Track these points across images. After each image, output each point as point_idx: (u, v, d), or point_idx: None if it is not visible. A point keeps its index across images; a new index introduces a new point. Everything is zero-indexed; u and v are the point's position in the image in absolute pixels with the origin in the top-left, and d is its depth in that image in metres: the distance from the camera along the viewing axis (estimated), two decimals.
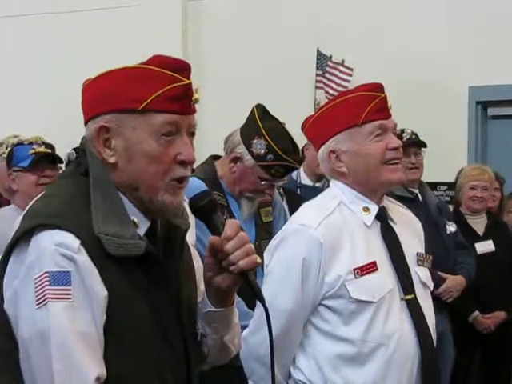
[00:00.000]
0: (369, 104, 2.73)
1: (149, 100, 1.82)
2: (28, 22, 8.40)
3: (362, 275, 2.65)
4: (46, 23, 8.33)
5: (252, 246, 1.90)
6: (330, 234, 2.65)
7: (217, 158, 3.96)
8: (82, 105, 1.95)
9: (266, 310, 1.90)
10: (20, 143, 4.12)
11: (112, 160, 1.86)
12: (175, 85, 1.84)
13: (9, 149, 4.29)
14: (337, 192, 2.81)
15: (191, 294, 2.03)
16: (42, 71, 8.26)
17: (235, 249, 1.86)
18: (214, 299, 1.98)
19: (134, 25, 7.77)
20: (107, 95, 1.85)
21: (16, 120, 7.43)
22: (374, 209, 2.77)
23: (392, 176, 2.74)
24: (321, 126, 2.82)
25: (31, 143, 4.07)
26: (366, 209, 2.77)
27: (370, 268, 2.66)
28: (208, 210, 1.91)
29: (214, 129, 5.31)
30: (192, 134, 1.93)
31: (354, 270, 2.64)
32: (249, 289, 1.90)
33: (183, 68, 1.87)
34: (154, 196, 1.86)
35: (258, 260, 1.89)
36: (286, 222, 3.85)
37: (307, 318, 2.70)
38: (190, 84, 1.87)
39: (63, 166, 4.90)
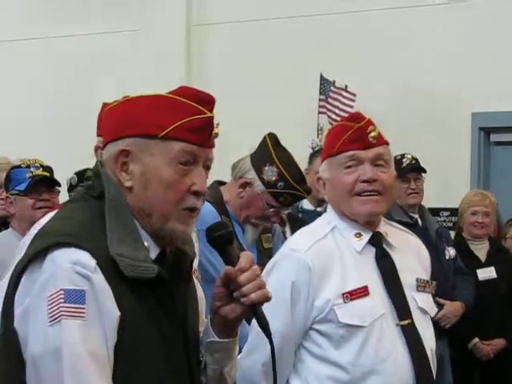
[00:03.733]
0: (344, 134, 2.75)
1: (170, 128, 1.85)
2: (26, 46, 8.43)
3: (351, 300, 2.65)
4: (47, 47, 8.37)
5: (264, 280, 1.92)
6: (319, 258, 2.66)
7: (221, 183, 3.98)
8: (102, 128, 1.99)
9: (272, 344, 1.92)
10: (17, 166, 4.09)
11: (128, 184, 1.88)
12: (198, 117, 1.87)
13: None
14: (332, 217, 2.83)
15: (196, 322, 2.04)
16: (43, 95, 8.29)
17: (249, 281, 1.88)
18: (218, 329, 1.98)
19: (136, 49, 7.81)
20: (131, 120, 1.88)
21: (15, 142, 7.47)
22: (367, 235, 2.78)
23: (360, 207, 2.74)
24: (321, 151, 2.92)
25: (28, 166, 4.03)
26: (359, 234, 2.78)
27: (360, 292, 2.67)
28: (224, 241, 1.94)
29: (216, 152, 5.32)
30: (207, 168, 1.94)
31: (343, 294, 2.64)
32: (256, 322, 1.91)
33: (207, 101, 1.90)
34: (165, 224, 1.88)
35: (269, 294, 1.91)
36: None
37: (299, 341, 2.71)
38: (212, 118, 1.90)
39: (64, 189, 4.90)
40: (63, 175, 4.75)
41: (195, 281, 2.13)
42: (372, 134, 2.75)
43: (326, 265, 2.67)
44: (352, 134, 2.74)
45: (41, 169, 4.05)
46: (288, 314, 2.65)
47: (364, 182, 2.72)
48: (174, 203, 1.87)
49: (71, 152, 6.99)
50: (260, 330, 1.92)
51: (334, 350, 2.65)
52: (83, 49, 8.17)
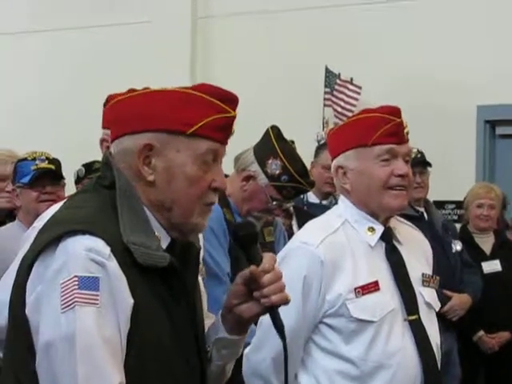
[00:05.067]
0: (382, 127, 2.72)
1: (198, 125, 1.86)
2: (35, 38, 8.45)
3: (363, 294, 2.65)
4: (55, 40, 8.38)
5: (284, 283, 1.93)
6: (331, 253, 2.66)
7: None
8: (111, 120, 1.97)
9: (285, 347, 1.92)
10: (24, 159, 4.08)
11: (150, 178, 1.88)
12: (223, 115, 1.89)
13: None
14: (343, 210, 2.82)
15: (202, 313, 2.06)
16: (50, 87, 8.30)
17: (271, 282, 1.89)
18: (230, 326, 1.99)
19: (144, 41, 7.81)
20: (153, 114, 1.88)
21: (22, 134, 7.48)
22: (380, 229, 2.78)
23: (393, 201, 2.74)
24: (337, 139, 2.86)
25: (34, 159, 4.01)
26: (371, 229, 2.77)
27: (371, 287, 2.67)
28: (250, 241, 1.95)
29: None
30: (220, 163, 1.98)
31: (355, 289, 2.65)
32: (273, 323, 1.92)
33: (232, 100, 1.93)
34: (189, 218, 1.90)
35: (289, 298, 1.92)
36: (285, 241, 3.90)
37: (308, 335, 2.71)
38: (235, 117, 1.93)
39: (72, 181, 4.91)
40: (73, 167, 4.77)
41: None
42: (406, 129, 2.77)
43: (338, 259, 2.67)
44: (391, 128, 2.72)
45: (46, 161, 4.02)
46: (299, 308, 2.64)
47: (399, 176, 2.73)
48: (197, 199, 1.89)
49: (79, 144, 7.01)
50: (270, 325, 1.92)
51: (344, 344, 2.66)
52: (89, 41, 8.18)
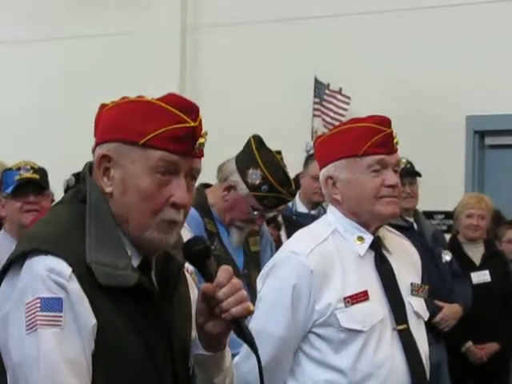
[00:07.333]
0: (372, 137, 2.71)
1: (150, 136, 1.81)
2: (26, 47, 8.44)
3: (352, 304, 2.64)
4: (43, 49, 8.37)
5: (245, 293, 1.87)
6: (321, 262, 2.65)
7: (207, 186, 3.97)
8: (95, 130, 1.96)
9: (258, 357, 1.88)
10: (9, 168, 4.05)
11: (108, 190, 1.85)
12: (179, 126, 1.82)
13: None
14: (332, 219, 2.80)
15: (185, 329, 2.00)
16: (38, 97, 8.29)
17: (227, 296, 1.83)
18: (205, 343, 1.93)
19: (132, 51, 7.81)
20: (115, 124, 1.85)
21: (12, 144, 7.47)
22: (369, 239, 2.76)
23: (384, 209, 2.73)
24: (325, 148, 2.83)
25: (19, 168, 3.97)
26: (361, 238, 2.76)
27: (360, 297, 2.66)
28: (201, 257, 1.88)
29: (209, 156, 5.30)
30: (193, 178, 1.89)
31: (345, 298, 2.63)
32: (241, 337, 1.86)
33: (191, 110, 1.84)
34: (143, 232, 1.84)
35: (251, 308, 1.86)
36: (272, 252, 3.89)
37: (298, 344, 2.69)
38: (196, 127, 1.84)
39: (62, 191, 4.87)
40: (64, 177, 4.74)
41: (191, 283, 2.10)
42: (395, 139, 2.76)
43: (327, 268, 2.65)
44: (381, 138, 2.71)
45: (31, 171, 3.97)
46: (289, 317, 2.63)
47: (389, 186, 2.72)
48: (151, 213, 1.82)
49: (70, 153, 7.00)
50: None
51: (334, 354, 2.64)
52: (79, 51, 8.17)
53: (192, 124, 1.83)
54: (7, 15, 8.68)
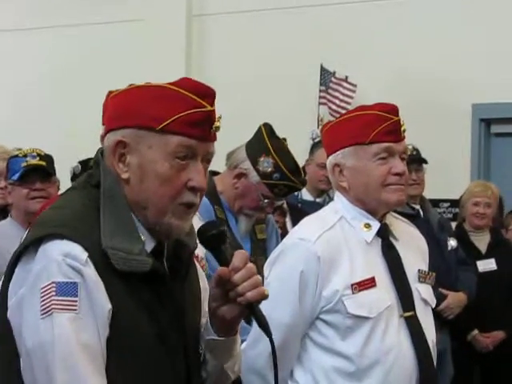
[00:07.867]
0: (380, 125, 2.71)
1: (168, 121, 1.81)
2: (31, 35, 8.44)
3: (359, 291, 2.64)
4: (50, 37, 8.37)
5: (260, 278, 1.87)
6: (328, 249, 2.65)
7: (215, 173, 3.96)
8: (104, 117, 1.96)
9: (272, 343, 1.88)
10: (16, 155, 4.04)
11: (125, 176, 1.85)
12: (197, 110, 1.83)
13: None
14: (339, 206, 2.81)
15: (196, 315, 2.01)
16: (46, 84, 8.29)
17: (243, 280, 1.83)
18: (217, 328, 1.94)
19: (138, 39, 7.80)
20: (129, 110, 1.85)
21: (18, 130, 7.48)
22: (376, 226, 2.77)
23: (391, 196, 2.73)
24: (333, 135, 2.83)
25: (26, 155, 3.97)
26: (368, 225, 2.76)
27: (367, 284, 2.66)
28: (216, 241, 1.89)
29: (217, 143, 5.31)
30: (208, 162, 1.90)
31: (352, 285, 2.64)
32: (256, 321, 1.87)
33: (207, 94, 1.85)
34: (161, 218, 1.85)
35: (266, 292, 1.86)
36: (277, 239, 3.89)
37: (305, 331, 2.70)
38: (212, 111, 1.85)
39: (69, 178, 4.87)
40: (68, 165, 4.74)
41: (200, 271, 2.10)
42: (403, 127, 2.76)
43: (335, 255, 2.66)
44: (389, 126, 2.71)
45: (37, 158, 3.97)
46: (296, 304, 2.64)
47: (396, 174, 2.73)
48: (170, 198, 1.84)
49: (78, 140, 7.01)
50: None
51: (341, 340, 2.65)
52: (84, 38, 8.17)
53: (209, 108, 1.85)
54: (19, 3, 8.67)
